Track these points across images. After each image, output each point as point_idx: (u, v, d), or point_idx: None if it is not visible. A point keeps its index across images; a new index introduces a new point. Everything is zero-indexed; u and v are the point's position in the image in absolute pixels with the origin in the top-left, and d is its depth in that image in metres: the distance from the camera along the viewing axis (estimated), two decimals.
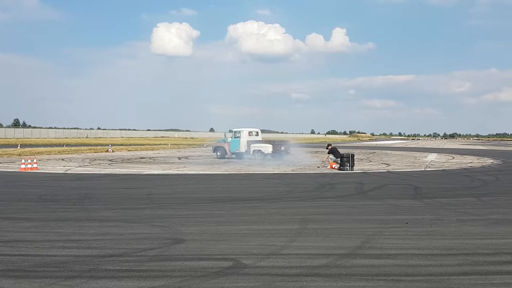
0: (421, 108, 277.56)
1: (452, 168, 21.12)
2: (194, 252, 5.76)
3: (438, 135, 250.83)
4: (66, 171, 17.98)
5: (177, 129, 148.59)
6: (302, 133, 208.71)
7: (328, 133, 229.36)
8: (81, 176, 16.00)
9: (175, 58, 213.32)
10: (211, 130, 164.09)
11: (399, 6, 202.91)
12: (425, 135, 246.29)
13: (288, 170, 19.01)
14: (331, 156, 19.64)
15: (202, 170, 18.69)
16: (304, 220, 7.86)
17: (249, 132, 25.27)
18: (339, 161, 19.03)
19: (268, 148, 23.95)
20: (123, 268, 5.06)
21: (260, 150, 24.04)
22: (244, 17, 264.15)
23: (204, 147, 48.95)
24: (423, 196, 11.26)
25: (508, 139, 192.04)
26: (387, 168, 20.41)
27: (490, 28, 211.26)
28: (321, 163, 21.10)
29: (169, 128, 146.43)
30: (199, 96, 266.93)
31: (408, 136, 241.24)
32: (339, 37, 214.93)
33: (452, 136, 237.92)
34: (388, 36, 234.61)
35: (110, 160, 24.46)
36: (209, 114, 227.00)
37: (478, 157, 31.72)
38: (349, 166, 18.49)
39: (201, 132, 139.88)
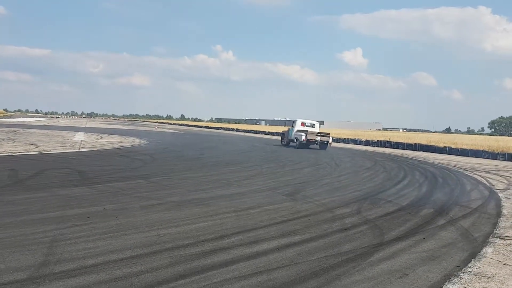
0: (59, 86, 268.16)
1: (105, 148, 20.79)
2: None
3: (77, 113, 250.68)
4: None
5: None
6: None
7: None
8: None
9: None
10: None
11: None
12: (63, 113, 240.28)
13: None
14: None
15: None
16: None
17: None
18: None
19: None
20: None
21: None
22: None
23: None
24: (92, 181, 10.16)
25: (141, 119, 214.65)
26: (38, 149, 17.84)
27: (122, 14, 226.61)
28: None
29: None
30: None
31: (46, 113, 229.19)
32: None
33: (90, 115, 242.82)
34: (22, 3, 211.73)
35: None
36: None
37: (125, 137, 33.08)
38: None
39: None
